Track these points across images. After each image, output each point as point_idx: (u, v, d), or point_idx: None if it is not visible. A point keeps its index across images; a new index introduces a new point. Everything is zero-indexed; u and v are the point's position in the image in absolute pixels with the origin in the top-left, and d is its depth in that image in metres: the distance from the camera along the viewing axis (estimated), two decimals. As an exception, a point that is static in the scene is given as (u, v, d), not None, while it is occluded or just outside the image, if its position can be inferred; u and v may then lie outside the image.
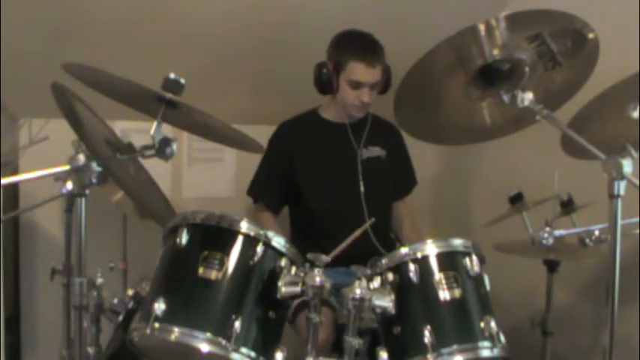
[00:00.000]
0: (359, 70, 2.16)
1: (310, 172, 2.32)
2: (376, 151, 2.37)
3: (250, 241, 1.50)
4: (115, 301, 1.66)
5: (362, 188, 2.29)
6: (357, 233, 1.70)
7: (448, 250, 1.56)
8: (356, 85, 2.18)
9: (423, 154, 2.63)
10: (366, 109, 2.28)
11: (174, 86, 1.48)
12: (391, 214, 2.47)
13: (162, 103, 1.50)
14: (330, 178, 2.31)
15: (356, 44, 2.21)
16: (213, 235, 1.52)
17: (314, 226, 2.31)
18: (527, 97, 1.40)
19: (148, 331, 1.40)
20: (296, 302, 1.77)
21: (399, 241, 2.42)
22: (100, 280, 1.65)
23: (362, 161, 2.32)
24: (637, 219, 1.61)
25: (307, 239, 2.15)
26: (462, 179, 3.04)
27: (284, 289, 1.47)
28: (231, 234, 1.50)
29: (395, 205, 2.49)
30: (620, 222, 1.27)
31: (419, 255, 1.53)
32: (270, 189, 2.37)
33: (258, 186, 2.39)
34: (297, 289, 1.47)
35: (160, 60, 2.25)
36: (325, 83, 2.22)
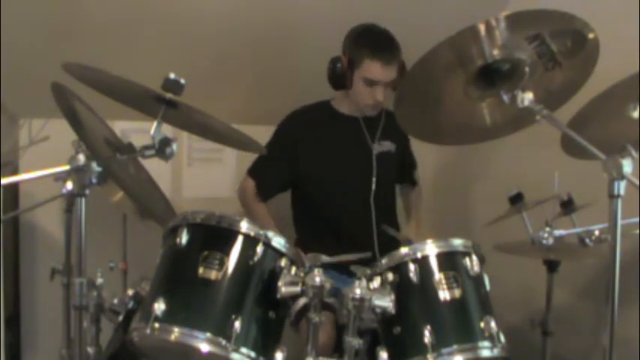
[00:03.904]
0: (374, 69, 2.12)
1: (318, 165, 2.28)
2: (387, 146, 2.36)
3: (250, 241, 1.50)
4: (115, 301, 1.66)
5: (373, 186, 2.29)
6: (350, 257, 1.62)
7: (448, 250, 1.56)
8: (370, 83, 2.15)
9: (423, 154, 2.63)
10: (379, 107, 2.26)
11: (174, 86, 1.47)
12: (403, 199, 2.58)
13: (162, 103, 1.50)
14: (341, 173, 2.29)
15: (372, 41, 2.16)
16: (213, 235, 1.52)
17: (316, 218, 2.29)
18: (527, 97, 1.40)
19: (148, 331, 1.40)
20: (298, 306, 1.77)
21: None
22: (100, 280, 1.65)
23: (375, 156, 2.31)
24: (637, 219, 1.61)
25: (309, 231, 2.13)
26: (462, 179, 3.03)
27: (284, 289, 1.47)
28: (231, 234, 1.50)
29: (406, 190, 2.59)
30: (620, 222, 1.27)
31: (419, 255, 1.53)
32: (266, 174, 2.33)
33: (256, 166, 2.35)
34: (297, 289, 1.47)
35: (160, 60, 2.25)
36: (339, 79, 2.19)
